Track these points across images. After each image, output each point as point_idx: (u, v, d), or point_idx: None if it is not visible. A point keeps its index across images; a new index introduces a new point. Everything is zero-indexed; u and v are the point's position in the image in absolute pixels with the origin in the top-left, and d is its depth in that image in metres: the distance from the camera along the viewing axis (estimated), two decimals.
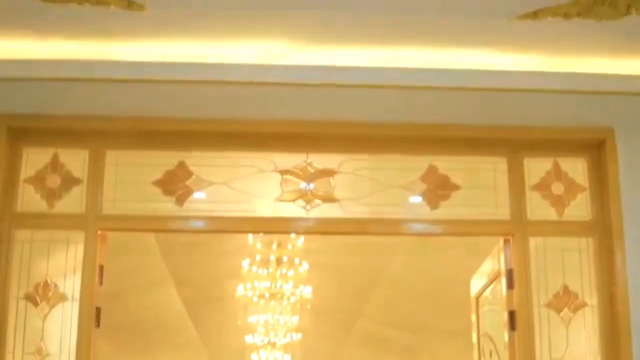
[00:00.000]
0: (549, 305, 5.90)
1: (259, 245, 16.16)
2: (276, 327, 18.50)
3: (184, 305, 20.55)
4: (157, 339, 23.08)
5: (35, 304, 5.79)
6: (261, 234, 15.68)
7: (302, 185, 6.04)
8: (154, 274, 17.88)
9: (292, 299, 17.16)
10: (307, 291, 16.87)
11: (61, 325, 5.77)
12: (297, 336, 18.93)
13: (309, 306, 17.10)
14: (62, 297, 5.81)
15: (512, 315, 5.89)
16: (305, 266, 16.60)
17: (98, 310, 5.92)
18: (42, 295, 5.80)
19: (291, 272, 16.70)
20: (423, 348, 23.22)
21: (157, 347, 24.36)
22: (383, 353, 24.94)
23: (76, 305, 5.79)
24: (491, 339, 6.40)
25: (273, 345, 19.19)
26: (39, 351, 5.72)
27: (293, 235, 15.28)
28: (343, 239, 16.79)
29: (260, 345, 19.43)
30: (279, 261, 16.65)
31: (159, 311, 20.55)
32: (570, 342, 5.84)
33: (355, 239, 16.52)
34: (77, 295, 5.81)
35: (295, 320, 18.09)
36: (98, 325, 5.89)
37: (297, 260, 16.63)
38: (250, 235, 15.83)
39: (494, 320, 6.33)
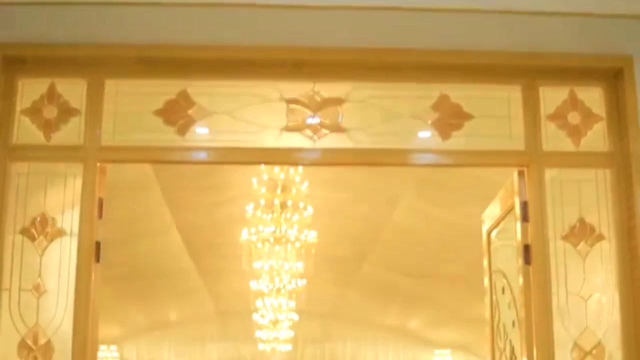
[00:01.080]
0: (565, 238, 5.68)
1: (263, 190, 15.95)
2: (281, 273, 18.37)
3: (188, 253, 20.49)
4: (161, 287, 23.07)
5: (32, 239, 5.58)
6: (265, 177, 15.57)
7: (309, 114, 5.79)
8: (158, 221, 17.78)
9: (297, 245, 16.99)
10: (311, 236, 16.70)
11: (59, 261, 5.57)
12: (302, 282, 18.80)
13: (313, 251, 16.93)
14: (61, 232, 5.60)
15: (527, 249, 5.68)
16: (309, 210, 16.43)
17: (98, 244, 5.71)
18: (39, 229, 5.59)
19: (295, 217, 16.51)
20: (426, 294, 23.21)
21: (161, 295, 24.36)
22: (387, 299, 24.98)
23: (75, 239, 5.59)
24: (504, 275, 6.20)
25: (278, 291, 19.07)
26: (36, 288, 5.52)
27: (300, 169, 15.11)
28: (347, 184, 16.72)
29: (265, 291, 19.31)
30: (283, 205, 16.46)
31: (163, 259, 20.49)
32: (587, 276, 5.63)
33: (360, 184, 16.46)
34: (76, 229, 5.60)
35: (300, 266, 17.95)
36: (98, 260, 5.68)
37: (301, 205, 16.44)
38: (254, 179, 15.68)
39: (507, 256, 6.12)
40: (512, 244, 5.94)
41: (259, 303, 20.81)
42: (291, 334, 23.23)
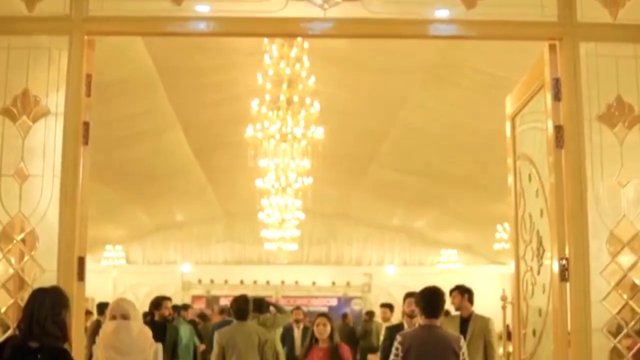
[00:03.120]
0: (600, 119, 5.15)
1: (268, 85, 15.37)
2: (287, 171, 17.95)
3: (193, 152, 20.09)
4: (166, 188, 22.76)
5: (14, 119, 5.10)
6: (271, 72, 15.02)
7: None
8: (161, 120, 17.30)
9: (303, 143, 16.49)
10: (318, 132, 16.17)
11: (44, 144, 5.08)
12: (308, 180, 18.37)
13: (320, 148, 16.43)
14: (45, 111, 5.10)
15: (558, 130, 5.15)
16: (316, 107, 15.86)
17: (86, 125, 5.18)
18: (21, 109, 5.09)
19: (302, 113, 15.98)
20: (433, 194, 22.90)
21: (167, 196, 24.08)
22: (393, 199, 24.68)
23: (61, 119, 5.10)
24: (531, 161, 5.66)
25: (284, 190, 18.67)
26: (18, 173, 5.06)
27: (307, 63, 14.53)
28: (355, 81, 16.18)
29: (270, 190, 18.94)
30: (289, 101, 15.91)
31: (167, 158, 20.13)
32: (624, 161, 5.11)
33: (367, 82, 15.91)
34: (62, 108, 5.10)
35: (306, 163, 17.50)
36: (86, 142, 5.15)
37: (308, 101, 15.88)
38: (259, 75, 15.11)
39: (535, 140, 5.58)
40: (541, 127, 5.41)
41: (264, 202, 20.50)
42: (297, 233, 23.02)
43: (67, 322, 4.48)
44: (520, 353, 5.78)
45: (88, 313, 18.39)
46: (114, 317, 5.22)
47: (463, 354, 6.48)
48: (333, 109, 16.69)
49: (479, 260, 29.11)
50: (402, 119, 17.46)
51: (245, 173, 19.94)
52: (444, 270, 26.45)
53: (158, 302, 10.11)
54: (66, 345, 4.46)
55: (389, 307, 13.17)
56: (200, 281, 28.72)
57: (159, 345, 5.27)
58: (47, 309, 4.42)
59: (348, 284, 29.24)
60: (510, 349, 12.92)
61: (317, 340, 7.94)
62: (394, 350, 6.49)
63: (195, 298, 28.20)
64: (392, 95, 16.55)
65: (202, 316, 17.49)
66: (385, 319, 12.92)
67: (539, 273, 5.42)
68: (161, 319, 10.05)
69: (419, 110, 16.82)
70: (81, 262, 5.03)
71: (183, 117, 17.54)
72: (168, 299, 10.43)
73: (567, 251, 5.00)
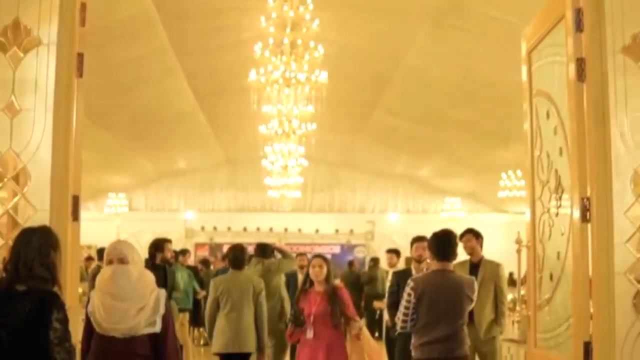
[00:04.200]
0: (624, 51, 4.81)
1: (271, 29, 15.09)
2: (290, 117, 17.71)
3: (195, 99, 19.87)
4: (169, 135, 22.59)
5: (4, 50, 4.85)
6: (274, 15, 14.75)
7: None
8: (163, 66, 17.06)
9: (307, 88, 16.25)
10: (322, 76, 15.90)
11: (36, 76, 4.82)
12: (312, 127, 18.15)
13: (324, 92, 16.17)
14: (37, 42, 4.84)
15: (580, 64, 4.85)
16: (320, 50, 15.59)
17: (80, 56, 4.92)
18: (12, 39, 4.84)
19: (306, 57, 15.70)
20: (437, 141, 22.71)
21: (170, 143, 23.91)
22: (397, 147, 24.50)
23: (54, 50, 4.84)
24: (549, 97, 5.36)
25: (287, 136, 18.45)
26: (9, 107, 4.82)
27: (310, 5, 14.24)
28: (359, 25, 15.86)
29: (274, 136, 18.73)
30: (292, 45, 15.63)
31: (169, 105, 19.97)
32: None
33: (372, 26, 15.60)
34: (55, 38, 4.84)
35: (310, 109, 17.28)
36: (81, 74, 4.88)
37: (312, 44, 15.60)
38: (262, 18, 14.85)
39: (555, 74, 5.28)
40: (561, 60, 5.11)
41: (268, 149, 20.31)
42: (300, 180, 22.87)
43: (56, 264, 4.24)
44: (535, 298, 5.51)
45: (90, 259, 18.37)
46: (110, 262, 4.82)
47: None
48: (337, 54, 16.44)
49: (483, 209, 29.02)
50: (407, 64, 17.23)
51: (249, 119, 19.74)
52: (448, 218, 26.28)
53: (159, 244, 9.86)
54: (56, 288, 4.22)
55: (395, 252, 12.96)
56: (203, 228, 28.69)
57: (162, 291, 4.87)
58: (34, 250, 4.18)
59: (351, 231, 29.21)
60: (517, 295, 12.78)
61: (312, 284, 7.56)
62: (405, 297, 6.25)
63: (199, 245, 28.20)
64: (397, 40, 16.31)
65: (205, 262, 17.38)
66: (392, 265, 12.74)
67: (557, 214, 5.15)
68: (162, 263, 9.86)
69: (424, 56, 16.58)
70: (76, 201, 4.79)
71: (185, 63, 17.32)
72: (169, 240, 10.19)
73: (588, 191, 4.72)
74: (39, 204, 4.70)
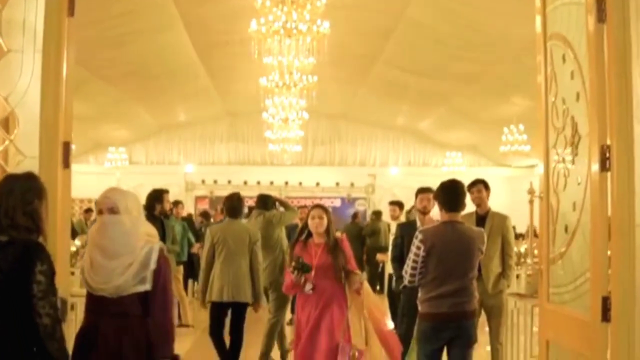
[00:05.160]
0: None
1: None
2: (291, 68, 17.41)
3: (195, 50, 19.56)
4: (169, 87, 22.30)
5: None
6: None
7: None
8: (162, 16, 16.71)
9: (308, 39, 15.91)
10: (324, 26, 15.55)
11: (24, 14, 4.55)
12: (313, 79, 17.85)
13: (326, 42, 15.83)
14: None
15: (600, 3, 4.57)
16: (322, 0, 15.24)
17: None
18: None
19: (307, 7, 15.35)
20: (438, 94, 22.47)
21: (169, 96, 23.63)
22: (398, 99, 24.25)
23: None
24: (565, 41, 5.08)
25: (288, 88, 18.17)
26: None
27: None
28: None
29: (274, 89, 18.45)
30: None
31: (168, 56, 19.65)
32: None
33: None
34: None
35: (311, 60, 16.97)
36: (72, 13, 4.61)
37: None
38: None
39: (572, 16, 5.00)
40: (579, 0, 4.82)
41: (268, 102, 20.05)
42: (301, 133, 22.65)
43: (41, 214, 3.95)
44: (548, 252, 5.27)
45: (89, 211, 18.26)
46: (100, 212, 4.43)
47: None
48: (338, 4, 16.11)
49: (484, 162, 28.87)
50: (409, 15, 16.91)
51: (249, 72, 19.46)
52: (449, 172, 26.10)
53: (159, 195, 9.60)
54: (41, 239, 3.95)
55: (398, 205, 12.70)
56: (203, 182, 28.56)
57: (155, 246, 4.45)
58: (16, 198, 3.90)
59: (352, 184, 29.10)
60: (522, 249, 12.61)
61: (310, 235, 7.11)
62: (414, 250, 6.02)
63: (199, 198, 28.10)
64: None
65: (205, 215, 17.23)
66: (395, 217, 12.52)
67: (573, 163, 4.90)
68: (161, 214, 9.65)
69: (427, 7, 16.25)
70: (66, 147, 4.53)
71: (184, 13, 16.97)
72: (166, 191, 9.95)
73: (608, 138, 4.47)
74: (28, 151, 4.45)
